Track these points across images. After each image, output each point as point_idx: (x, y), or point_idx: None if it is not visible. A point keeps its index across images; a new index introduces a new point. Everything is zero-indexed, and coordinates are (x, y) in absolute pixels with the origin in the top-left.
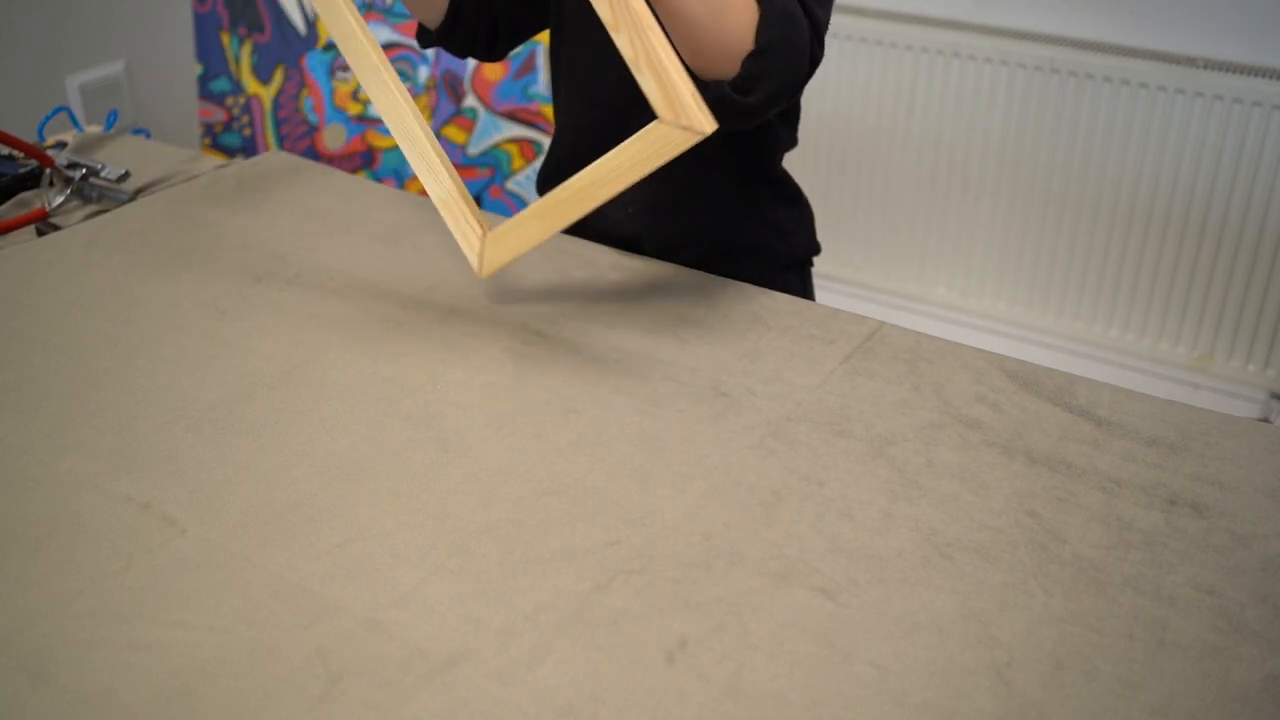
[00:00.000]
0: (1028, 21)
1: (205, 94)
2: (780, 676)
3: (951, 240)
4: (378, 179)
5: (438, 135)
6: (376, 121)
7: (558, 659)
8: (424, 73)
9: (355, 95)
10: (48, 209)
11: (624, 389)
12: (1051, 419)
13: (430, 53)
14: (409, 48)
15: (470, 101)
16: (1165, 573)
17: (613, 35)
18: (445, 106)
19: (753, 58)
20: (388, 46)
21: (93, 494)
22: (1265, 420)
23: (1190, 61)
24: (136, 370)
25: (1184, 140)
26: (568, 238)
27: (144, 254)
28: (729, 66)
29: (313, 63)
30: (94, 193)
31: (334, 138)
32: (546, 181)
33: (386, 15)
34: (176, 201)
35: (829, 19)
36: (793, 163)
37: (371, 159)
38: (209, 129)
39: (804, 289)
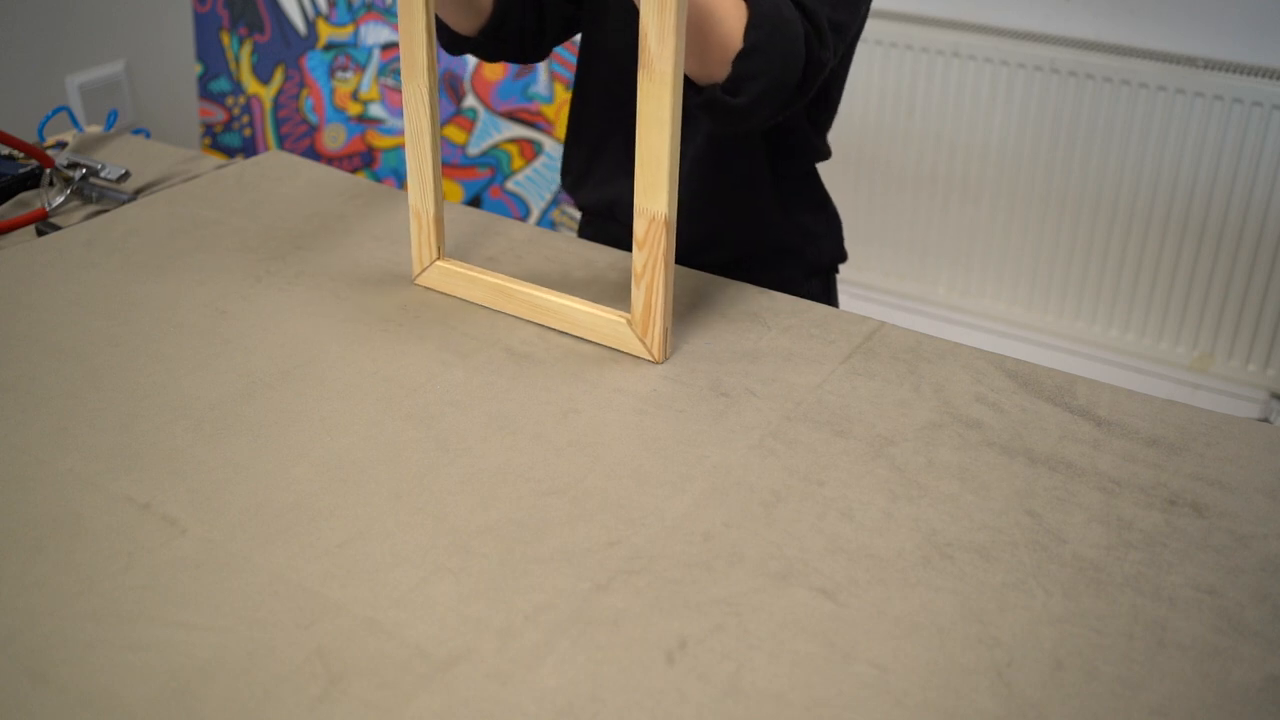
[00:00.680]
0: (1028, 21)
1: (205, 94)
2: (780, 676)
3: (951, 240)
4: (378, 179)
5: None
6: (376, 121)
7: (558, 659)
8: None
9: (355, 95)
10: (48, 209)
11: (624, 389)
12: (1051, 419)
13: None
14: None
15: (470, 101)
16: (1165, 573)
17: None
18: (445, 106)
19: (740, 58)
20: (388, 46)
21: (93, 494)
22: (1265, 420)
23: (1190, 61)
24: (136, 370)
25: (1184, 140)
26: (568, 237)
27: (144, 254)
28: (719, 69)
29: (313, 63)
30: (94, 193)
31: (334, 138)
32: (568, 173)
33: (387, 15)
34: (176, 201)
35: (849, 19)
36: None
37: (371, 159)
38: (209, 129)
39: (828, 296)
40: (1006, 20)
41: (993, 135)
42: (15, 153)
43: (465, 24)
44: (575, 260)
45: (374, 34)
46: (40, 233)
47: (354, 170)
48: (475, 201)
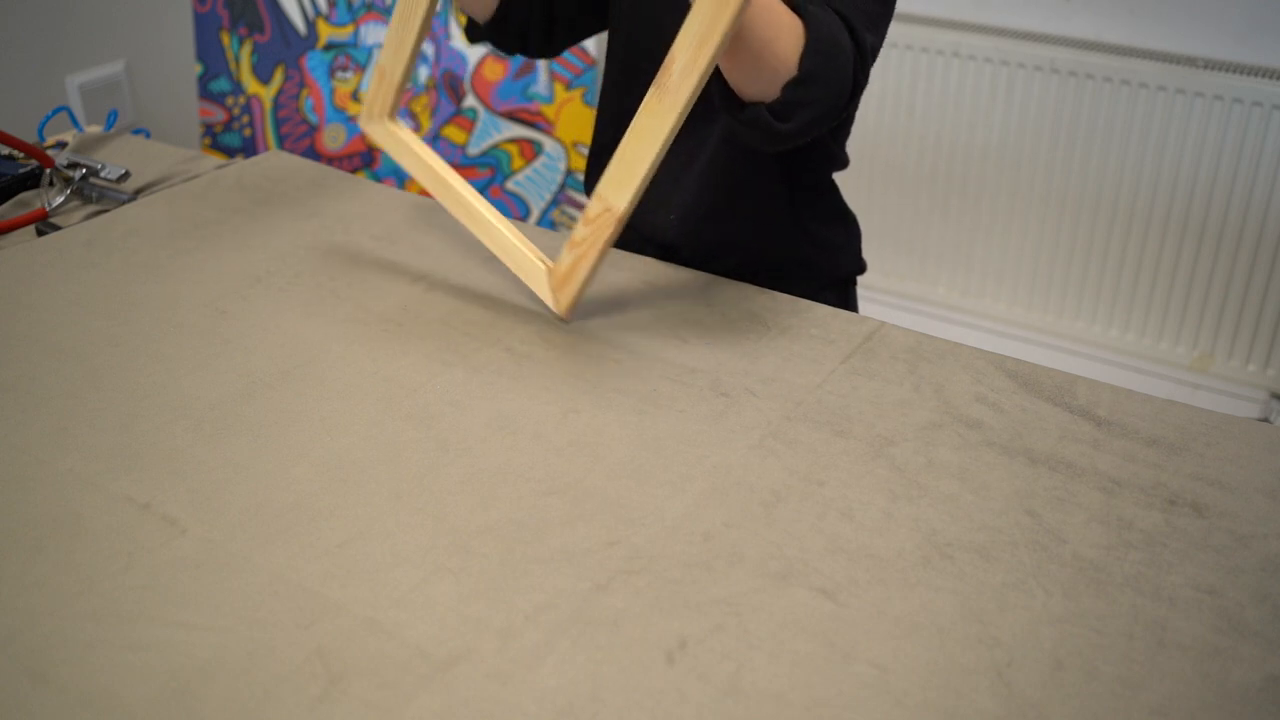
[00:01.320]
0: (1028, 21)
1: (205, 94)
2: (780, 676)
3: (952, 240)
4: (378, 179)
5: (437, 135)
6: None
7: (558, 659)
8: (424, 73)
9: (355, 95)
10: (48, 209)
11: (624, 389)
12: (1051, 419)
13: (430, 52)
14: None
15: (470, 101)
16: (1165, 573)
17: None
18: (445, 106)
19: (793, 85)
20: None
21: (93, 494)
22: (1265, 420)
23: (1190, 61)
24: (137, 370)
25: (1184, 140)
26: (567, 235)
27: (144, 254)
28: (770, 90)
29: (313, 63)
30: (94, 193)
31: (334, 138)
32: (588, 175)
33: (387, 15)
34: (176, 201)
35: (880, 42)
36: None
37: (371, 159)
38: (209, 129)
39: (844, 308)
40: (1006, 20)
41: (993, 135)
42: (15, 153)
43: (478, 9)
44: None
45: (374, 34)
46: (40, 233)
47: (354, 170)
48: None
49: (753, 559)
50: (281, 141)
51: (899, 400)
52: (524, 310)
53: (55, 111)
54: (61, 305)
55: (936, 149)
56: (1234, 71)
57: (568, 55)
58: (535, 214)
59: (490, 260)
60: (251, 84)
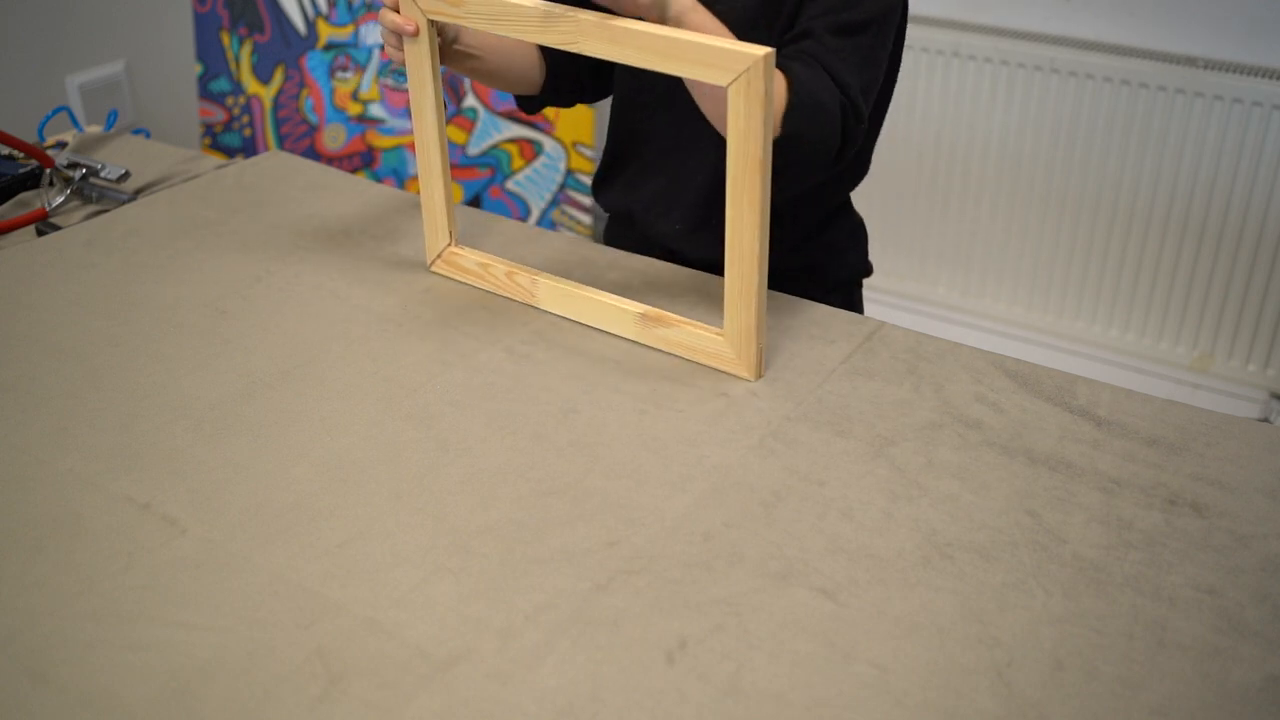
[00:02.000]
0: (1028, 21)
1: (205, 94)
2: (780, 676)
3: (951, 240)
4: (378, 179)
5: None
6: (376, 121)
7: (558, 659)
8: None
9: (355, 95)
10: (48, 209)
11: (624, 389)
12: (1051, 419)
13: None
14: None
15: (470, 101)
16: (1165, 573)
17: None
18: (445, 107)
19: (777, 145)
20: None
21: (93, 494)
22: (1265, 420)
23: (1190, 61)
24: (136, 370)
25: (1184, 140)
26: (567, 236)
27: (144, 254)
28: None
29: (313, 63)
30: (94, 193)
31: (334, 138)
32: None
33: None
34: (176, 201)
35: (877, 74)
36: None
37: (371, 159)
38: (209, 129)
39: (850, 309)
40: (1006, 20)
41: (993, 135)
42: (15, 153)
43: (524, 90)
44: (575, 259)
45: (374, 34)
46: (40, 233)
47: (354, 170)
48: (475, 201)
49: (753, 559)
50: (281, 141)
51: (899, 400)
52: (524, 310)
53: (55, 111)
54: (61, 305)
55: (936, 149)
56: (1234, 71)
57: None
58: (535, 214)
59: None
60: (251, 84)
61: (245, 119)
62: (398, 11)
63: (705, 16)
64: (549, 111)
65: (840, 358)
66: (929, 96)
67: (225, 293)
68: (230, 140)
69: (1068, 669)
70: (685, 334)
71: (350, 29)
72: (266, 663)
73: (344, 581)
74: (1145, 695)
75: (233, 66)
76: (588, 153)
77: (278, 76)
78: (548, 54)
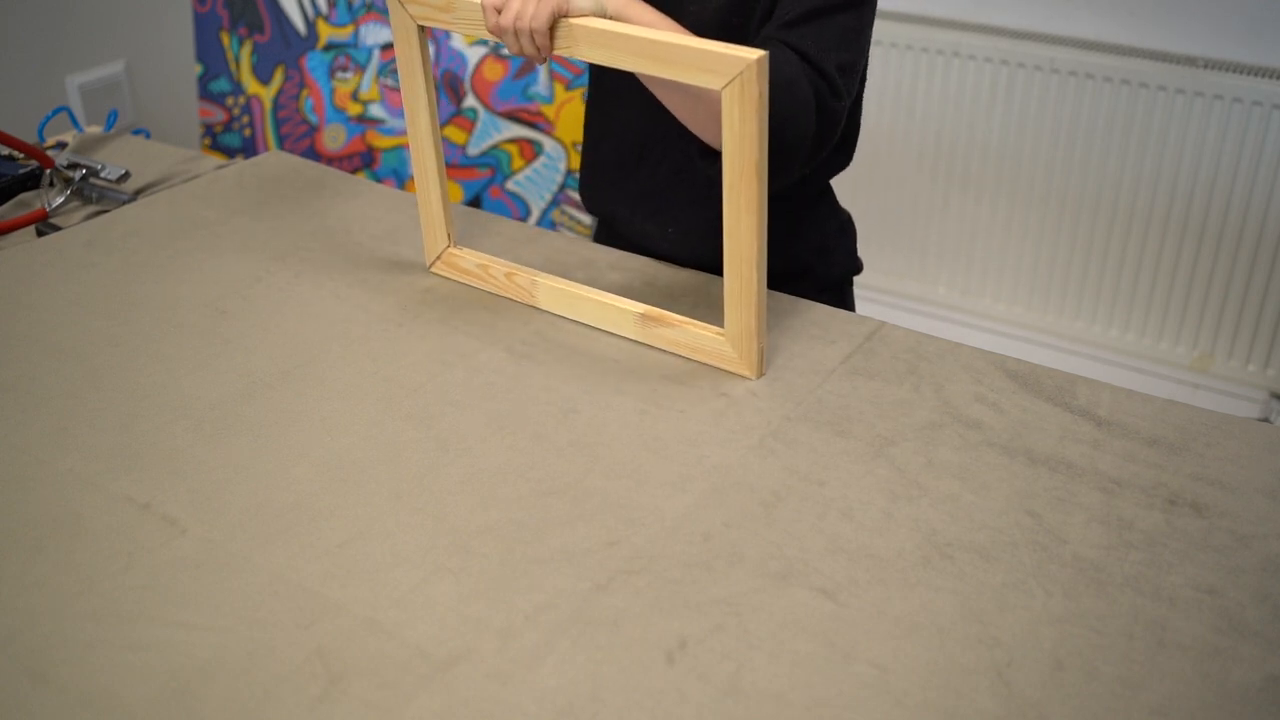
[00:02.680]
0: (1028, 21)
1: (205, 94)
2: (780, 676)
3: (952, 240)
4: (378, 179)
5: None
6: (376, 121)
7: (558, 659)
8: None
9: (355, 96)
10: (48, 209)
11: (624, 389)
12: (1051, 419)
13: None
14: None
15: (470, 101)
16: (1165, 573)
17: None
18: (445, 107)
19: None
20: (388, 47)
21: (93, 494)
22: (1265, 420)
23: (1190, 61)
24: (136, 370)
25: (1184, 140)
26: (568, 236)
27: (144, 254)
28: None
29: (313, 63)
30: (94, 193)
31: (334, 138)
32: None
33: (386, 15)
34: (176, 201)
35: (857, 55)
36: None
37: (371, 159)
38: (209, 129)
39: (842, 308)
40: (1006, 20)
41: (993, 135)
42: (15, 153)
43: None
44: (575, 260)
45: (374, 34)
46: (40, 233)
47: (354, 170)
48: (475, 202)
49: (753, 559)
50: (281, 142)
51: (899, 400)
52: (524, 310)
53: (55, 111)
54: (61, 305)
55: (936, 149)
56: (1234, 71)
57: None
58: (535, 214)
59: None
60: (251, 84)
61: (245, 119)
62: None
63: (644, 9)
64: (549, 111)
65: (840, 358)
66: (929, 96)
67: (225, 293)
68: (230, 140)
69: (1068, 669)
70: (686, 334)
71: (350, 29)
72: (266, 663)
73: (344, 581)
74: (1145, 695)
75: (233, 67)
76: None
77: (278, 77)
78: None
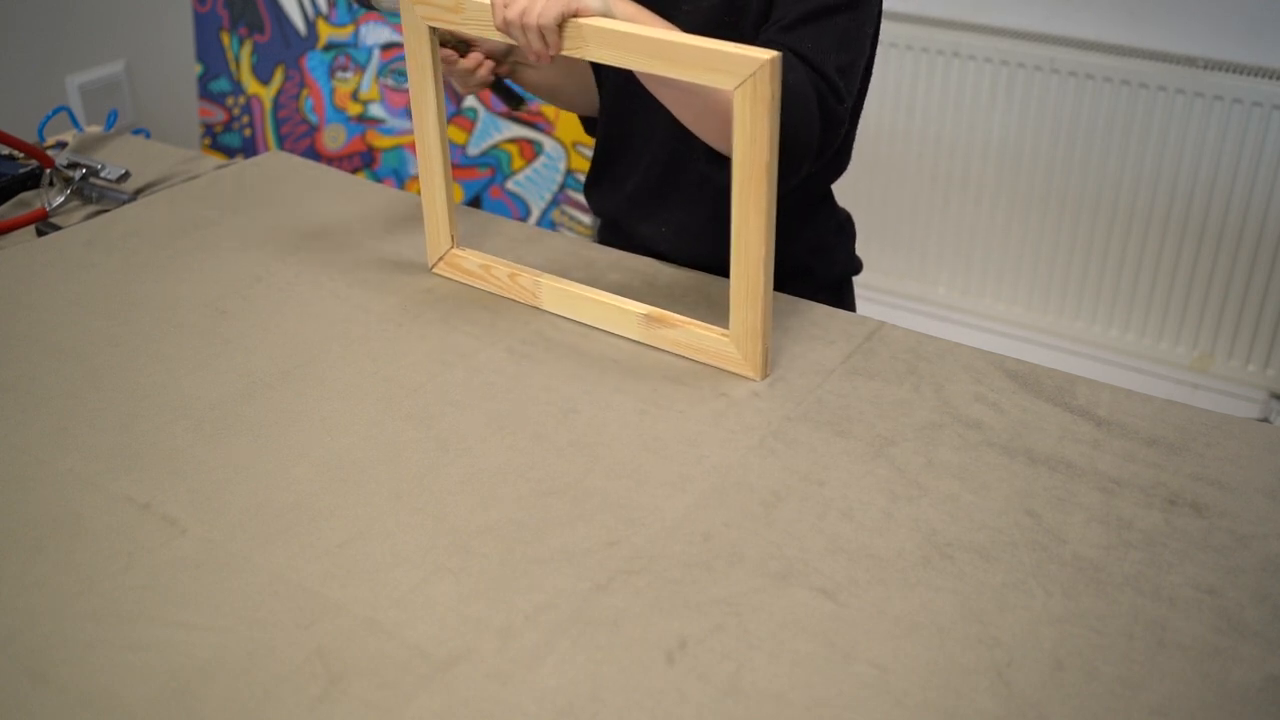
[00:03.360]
0: (1028, 21)
1: (205, 94)
2: (780, 676)
3: (951, 240)
4: (378, 179)
5: None
6: (376, 121)
7: (558, 659)
8: None
9: (355, 95)
10: (48, 209)
11: (624, 389)
12: (1051, 419)
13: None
14: None
15: (470, 101)
16: (1165, 573)
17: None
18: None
19: None
20: (388, 46)
21: (93, 494)
22: (1265, 420)
23: (1190, 61)
24: (136, 370)
25: (1184, 140)
26: (568, 236)
27: (144, 254)
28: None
29: (313, 63)
30: (94, 193)
31: (334, 138)
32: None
33: (386, 16)
34: (176, 201)
35: (857, 56)
36: None
37: (371, 159)
38: (209, 129)
39: (841, 308)
40: (1006, 20)
41: (993, 135)
42: (15, 153)
43: (584, 110)
44: (575, 260)
45: (374, 34)
46: (40, 233)
47: (354, 170)
48: (475, 202)
49: (753, 559)
50: (281, 141)
51: (899, 400)
52: (524, 310)
53: (55, 111)
54: (61, 305)
55: (936, 149)
56: (1234, 71)
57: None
58: (535, 214)
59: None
60: (251, 84)
61: (245, 119)
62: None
63: (650, 17)
64: (549, 111)
65: (840, 358)
66: (929, 96)
67: (225, 293)
68: (230, 140)
69: (1068, 669)
70: (690, 334)
71: (350, 29)
72: (266, 663)
73: (344, 581)
74: (1145, 695)
75: (233, 66)
76: (588, 153)
77: (278, 76)
78: (597, 71)
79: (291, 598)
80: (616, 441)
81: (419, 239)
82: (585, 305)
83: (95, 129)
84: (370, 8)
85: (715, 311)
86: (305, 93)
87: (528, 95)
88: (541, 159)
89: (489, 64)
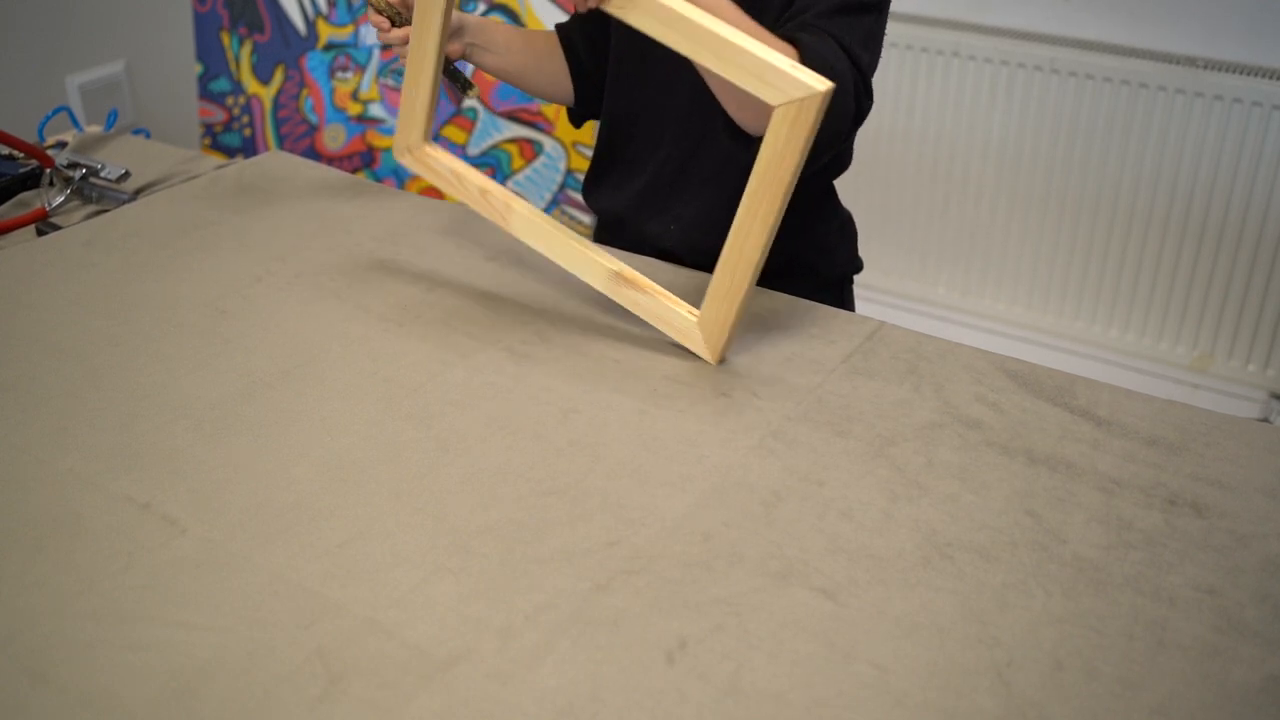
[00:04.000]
0: (1028, 21)
1: (205, 94)
2: (780, 676)
3: (951, 240)
4: (378, 179)
5: (437, 136)
6: (376, 121)
7: (558, 659)
8: None
9: (355, 95)
10: (48, 209)
11: (624, 389)
12: (1051, 419)
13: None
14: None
15: (470, 101)
16: (1165, 573)
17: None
18: (445, 106)
19: None
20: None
21: (93, 494)
22: (1265, 420)
23: (1190, 61)
24: (136, 370)
25: (1184, 140)
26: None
27: (144, 254)
28: (768, 122)
29: (313, 63)
30: (94, 193)
31: (334, 138)
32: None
33: None
34: (176, 201)
35: (875, 61)
36: None
37: (371, 159)
38: (209, 129)
39: (841, 307)
40: (1006, 20)
41: (993, 135)
42: (15, 153)
43: (553, 99)
44: None
45: (374, 34)
46: (40, 233)
47: (354, 170)
48: None
49: (753, 559)
50: (281, 141)
51: (899, 400)
52: (524, 310)
53: (55, 111)
54: (61, 305)
55: (936, 149)
56: (1234, 71)
57: None
58: None
59: (490, 260)
60: (251, 84)
61: (245, 119)
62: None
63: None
64: (549, 111)
65: (840, 358)
66: (929, 96)
67: (225, 293)
68: (230, 140)
69: (1068, 669)
70: (657, 303)
71: (350, 29)
72: (266, 663)
73: (344, 581)
74: (1145, 695)
75: (233, 66)
76: (588, 153)
77: (278, 76)
78: (573, 62)
79: (291, 598)
80: (616, 441)
81: (419, 239)
82: (556, 242)
83: (95, 129)
84: None
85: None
86: (305, 93)
87: (471, 85)
88: (541, 159)
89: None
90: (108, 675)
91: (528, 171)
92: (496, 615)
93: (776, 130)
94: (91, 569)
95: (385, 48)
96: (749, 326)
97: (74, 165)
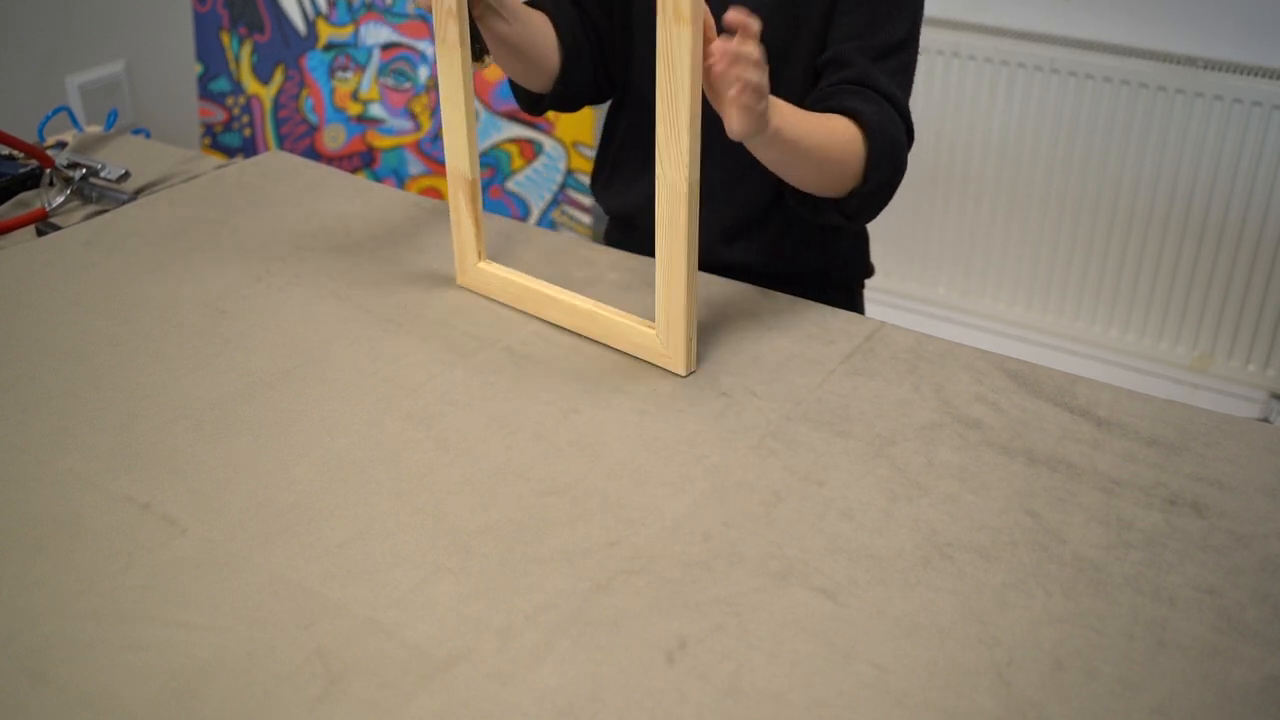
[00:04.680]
0: (1027, 21)
1: (205, 94)
2: (780, 676)
3: (951, 240)
4: (378, 179)
5: (437, 135)
6: (376, 121)
7: (558, 659)
8: (424, 73)
9: (355, 95)
10: (48, 209)
11: (624, 389)
12: (1051, 419)
13: (430, 51)
14: (409, 48)
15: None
16: (1165, 573)
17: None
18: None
19: (859, 196)
20: (388, 46)
21: (93, 494)
22: (1265, 420)
23: (1190, 61)
24: (136, 370)
25: (1184, 140)
26: (567, 236)
27: (144, 254)
28: (837, 191)
29: (313, 63)
30: (94, 193)
31: (334, 138)
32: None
33: (386, 15)
34: (176, 201)
35: (911, 86)
36: None
37: (371, 159)
38: (209, 129)
39: (851, 310)
40: (1006, 20)
41: (993, 135)
42: (15, 153)
43: (537, 83)
44: (575, 260)
45: (374, 34)
46: (40, 233)
47: (354, 170)
48: None
49: (753, 559)
50: (281, 141)
51: (899, 400)
52: (524, 310)
53: (55, 111)
54: (61, 305)
55: (936, 149)
56: (1234, 71)
57: None
58: (535, 214)
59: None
60: (251, 84)
61: (245, 119)
62: None
63: (791, 114)
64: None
65: (840, 358)
66: (929, 96)
67: (225, 293)
68: (230, 140)
69: (1068, 669)
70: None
71: (350, 29)
72: (266, 663)
73: (344, 581)
74: (1145, 695)
75: (233, 66)
76: (588, 153)
77: (278, 76)
78: (565, 44)
79: (291, 598)
80: (616, 441)
81: (419, 238)
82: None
83: (95, 129)
84: None
85: (709, 311)
86: (305, 92)
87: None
88: (541, 159)
89: None
90: (108, 675)
91: (528, 171)
92: (496, 615)
93: (628, 337)
94: (91, 569)
95: (386, 47)
96: (749, 326)
97: (74, 165)
